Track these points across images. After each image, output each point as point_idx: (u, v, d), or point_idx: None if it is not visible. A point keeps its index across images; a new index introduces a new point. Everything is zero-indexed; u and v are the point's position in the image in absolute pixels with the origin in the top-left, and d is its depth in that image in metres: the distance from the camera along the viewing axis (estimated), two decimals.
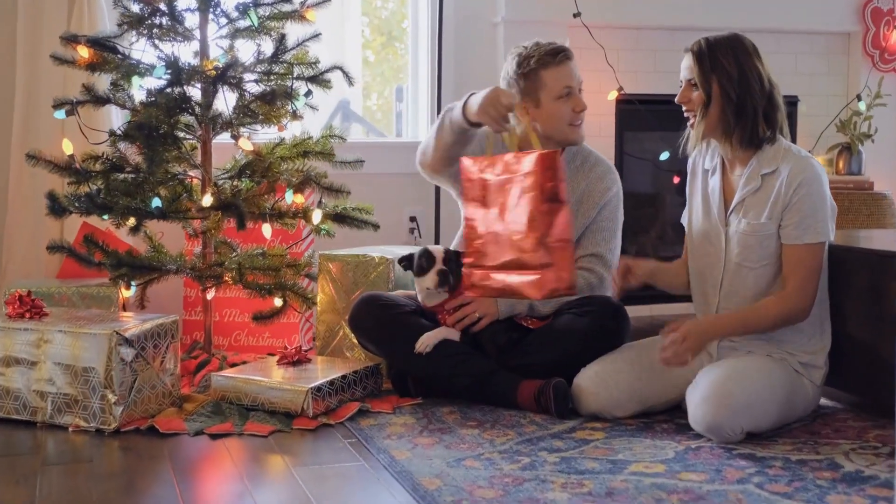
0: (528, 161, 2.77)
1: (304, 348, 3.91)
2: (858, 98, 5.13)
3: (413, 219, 4.69)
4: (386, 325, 3.20)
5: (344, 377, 3.13)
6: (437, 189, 4.53)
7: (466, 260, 2.94)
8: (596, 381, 3.02)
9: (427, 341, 3.14)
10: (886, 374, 2.90)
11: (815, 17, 5.16)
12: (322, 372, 3.18)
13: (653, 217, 5.13)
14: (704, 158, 3.09)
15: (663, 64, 4.88)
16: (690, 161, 3.15)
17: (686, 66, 2.96)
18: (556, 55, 3.26)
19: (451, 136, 3.12)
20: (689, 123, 3.01)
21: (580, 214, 3.36)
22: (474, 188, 2.92)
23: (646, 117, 4.79)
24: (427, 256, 3.20)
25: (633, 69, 4.85)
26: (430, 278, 3.18)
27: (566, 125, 3.25)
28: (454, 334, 3.19)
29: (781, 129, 2.95)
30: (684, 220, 3.18)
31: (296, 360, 3.25)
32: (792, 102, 5.08)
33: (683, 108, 3.00)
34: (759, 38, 3.07)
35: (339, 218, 3.60)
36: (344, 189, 3.52)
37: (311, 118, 3.69)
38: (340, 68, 3.49)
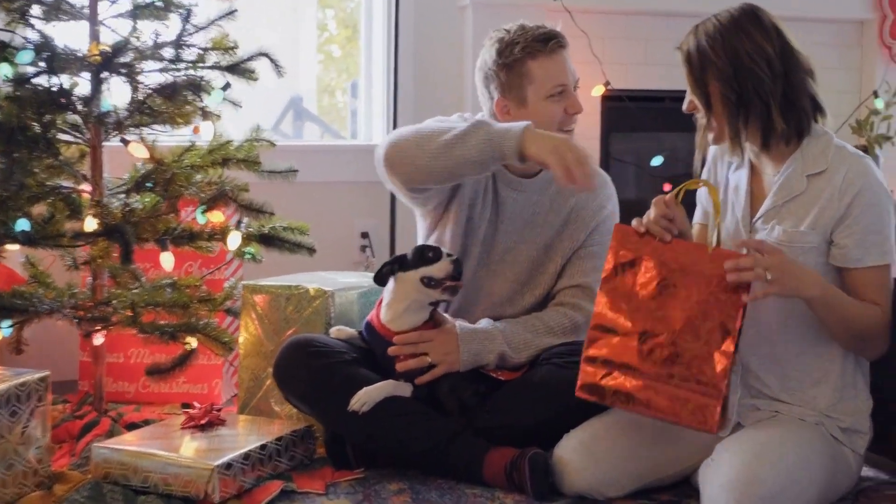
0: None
1: (226, 398, 3.26)
2: (875, 95, 4.51)
3: (365, 235, 4.05)
4: (318, 379, 2.53)
5: (263, 447, 2.47)
6: (394, 199, 3.88)
7: (592, 352, 2.29)
8: (582, 452, 2.38)
9: (365, 397, 2.48)
10: None
11: (824, 2, 4.55)
12: (238, 439, 2.53)
13: None
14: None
15: (656, 55, 4.25)
16: (712, 150, 2.56)
17: (682, 68, 2.40)
18: (547, 42, 2.62)
19: (480, 154, 2.41)
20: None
21: (566, 237, 2.73)
22: (630, 266, 2.31)
23: (636, 116, 4.18)
24: (432, 248, 2.56)
25: (621, 61, 4.23)
26: (441, 267, 2.51)
27: (555, 130, 2.61)
28: (404, 389, 2.53)
29: (815, 115, 2.37)
30: (698, 220, 2.58)
31: (205, 423, 2.59)
32: None
33: (697, 115, 2.42)
34: None
35: (267, 239, 2.94)
36: (266, 209, 2.85)
37: (257, 117, 3.05)
38: (266, 55, 2.83)
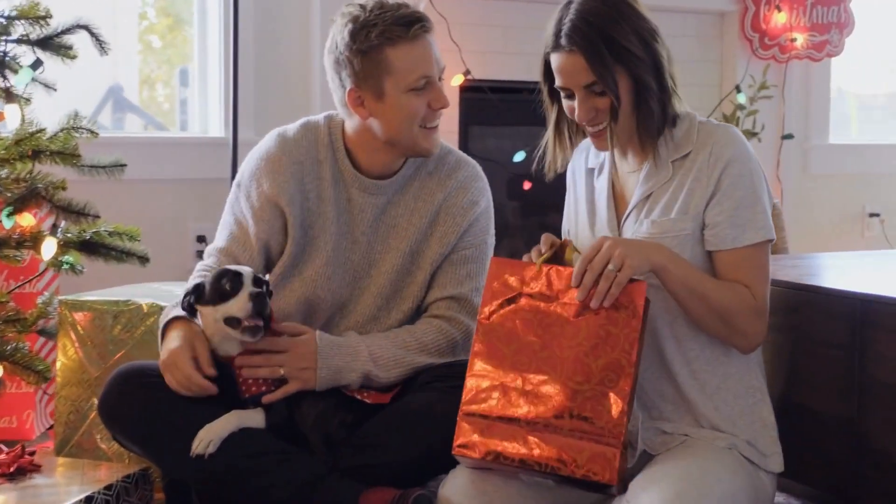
0: (635, 293, 1.94)
1: (40, 431, 2.79)
2: (737, 89, 4.37)
3: (202, 239, 3.63)
4: (154, 417, 2.11)
5: (90, 499, 2.05)
6: None
7: (470, 405, 1.96)
8: (472, 492, 2.02)
9: (209, 436, 2.07)
10: (865, 462, 2.16)
11: None
12: (57, 490, 2.14)
13: (500, 234, 4.28)
14: (588, 156, 2.24)
15: (518, 44, 4.00)
16: (570, 164, 2.29)
17: (573, 70, 2.03)
18: (409, 26, 2.23)
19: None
20: (590, 135, 2.11)
21: (434, 240, 2.37)
22: (508, 303, 2.00)
23: (497, 108, 3.90)
24: (232, 277, 2.13)
25: (481, 49, 3.95)
26: (240, 305, 2.10)
27: (417, 127, 2.26)
28: (254, 419, 2.14)
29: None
30: (567, 235, 2.31)
31: (15, 469, 2.13)
32: None
33: (587, 127, 2.09)
34: None
35: (89, 247, 2.49)
36: (89, 210, 2.41)
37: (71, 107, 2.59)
38: (87, 28, 2.40)
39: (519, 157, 3.89)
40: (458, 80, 3.83)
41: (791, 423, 2.20)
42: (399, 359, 2.27)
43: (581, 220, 2.24)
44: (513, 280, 2.00)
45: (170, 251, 3.47)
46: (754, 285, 2.03)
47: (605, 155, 2.19)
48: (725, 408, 2.09)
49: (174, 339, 2.14)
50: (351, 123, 2.31)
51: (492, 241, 2.45)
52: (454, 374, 2.19)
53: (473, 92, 3.90)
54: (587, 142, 2.20)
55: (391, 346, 2.28)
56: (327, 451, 2.17)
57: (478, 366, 1.97)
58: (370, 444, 2.16)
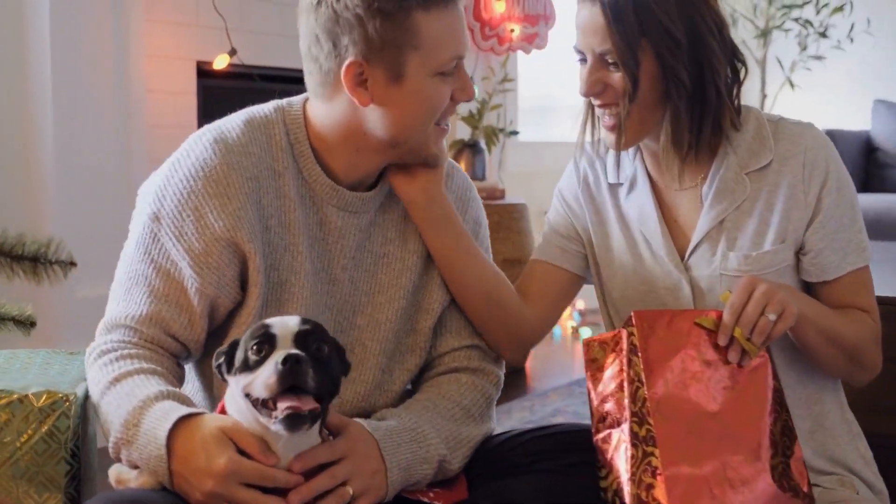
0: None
1: None
2: None
3: None
4: None
5: None
6: None
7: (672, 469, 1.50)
8: None
9: None
10: None
11: None
12: None
13: None
14: (605, 167, 1.87)
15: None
16: (567, 180, 1.92)
17: (589, 28, 1.70)
18: None
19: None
20: (603, 124, 1.78)
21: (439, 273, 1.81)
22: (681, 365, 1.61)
23: (265, 98, 3.27)
24: (264, 336, 1.41)
25: (252, 28, 3.26)
26: (264, 377, 1.38)
27: (433, 125, 1.68)
28: None
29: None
30: (549, 258, 1.90)
31: None
32: None
33: (595, 102, 1.76)
34: None
35: None
36: None
37: None
38: None
39: None
40: (222, 60, 3.13)
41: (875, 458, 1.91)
42: (457, 436, 1.70)
43: (614, 252, 1.84)
44: (669, 334, 1.59)
45: None
46: (870, 308, 1.77)
47: (639, 164, 1.82)
48: (825, 451, 1.79)
49: (211, 447, 1.42)
50: (331, 111, 1.65)
51: None
52: (562, 444, 1.68)
53: (239, 79, 3.23)
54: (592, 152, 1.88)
55: (442, 420, 1.70)
56: None
57: (665, 456, 1.52)
58: None
